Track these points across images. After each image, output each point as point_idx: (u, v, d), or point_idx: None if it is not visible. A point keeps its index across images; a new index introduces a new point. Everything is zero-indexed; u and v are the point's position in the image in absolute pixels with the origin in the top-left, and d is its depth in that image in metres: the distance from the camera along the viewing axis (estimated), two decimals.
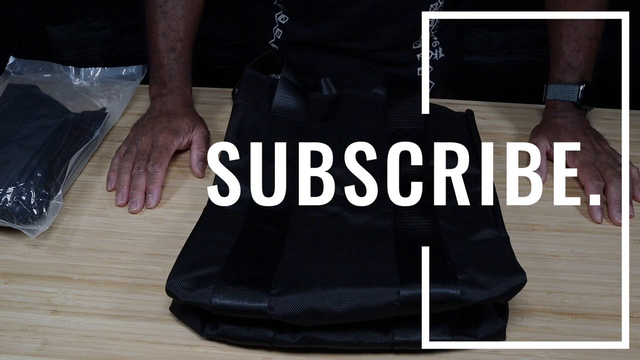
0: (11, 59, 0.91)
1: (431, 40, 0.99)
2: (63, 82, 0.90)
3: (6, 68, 0.90)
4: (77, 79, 0.91)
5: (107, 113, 0.85)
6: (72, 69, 0.91)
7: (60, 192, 0.70)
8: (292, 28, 0.97)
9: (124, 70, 0.92)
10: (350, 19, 0.93)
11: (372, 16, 0.93)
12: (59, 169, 0.73)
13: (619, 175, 0.74)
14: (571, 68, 0.83)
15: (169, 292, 0.56)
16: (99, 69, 0.91)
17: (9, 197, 0.67)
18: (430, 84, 1.02)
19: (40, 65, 0.91)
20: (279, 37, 0.99)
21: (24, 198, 0.67)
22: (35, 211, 0.67)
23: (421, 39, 0.97)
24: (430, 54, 1.00)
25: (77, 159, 0.76)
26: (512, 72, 1.54)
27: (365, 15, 0.92)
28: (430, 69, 1.01)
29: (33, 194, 0.68)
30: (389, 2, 0.91)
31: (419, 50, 0.98)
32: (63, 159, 0.74)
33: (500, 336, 0.57)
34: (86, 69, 0.91)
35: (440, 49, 1.00)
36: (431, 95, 1.03)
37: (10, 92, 0.84)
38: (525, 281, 0.55)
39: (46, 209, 0.68)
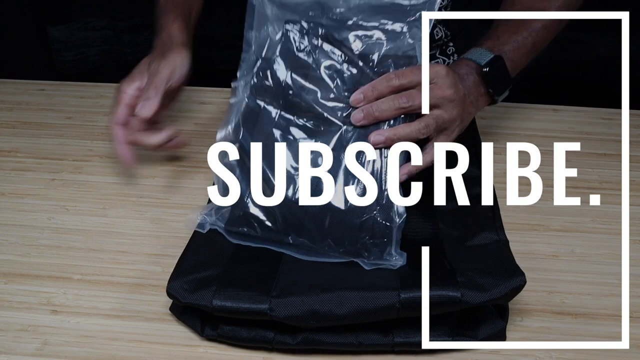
0: None
1: (446, 46, 0.99)
2: None
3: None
4: None
5: None
6: None
7: None
8: None
9: None
10: None
11: None
12: None
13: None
14: (498, 42, 0.75)
15: (169, 294, 0.56)
16: None
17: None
18: None
19: None
20: None
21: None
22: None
23: (437, 40, 0.97)
24: (445, 60, 1.00)
25: None
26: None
27: None
28: None
29: None
30: None
31: (435, 48, 0.98)
32: None
33: (501, 336, 0.57)
34: None
35: (455, 55, 1.00)
36: None
37: None
38: (525, 282, 0.55)
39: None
